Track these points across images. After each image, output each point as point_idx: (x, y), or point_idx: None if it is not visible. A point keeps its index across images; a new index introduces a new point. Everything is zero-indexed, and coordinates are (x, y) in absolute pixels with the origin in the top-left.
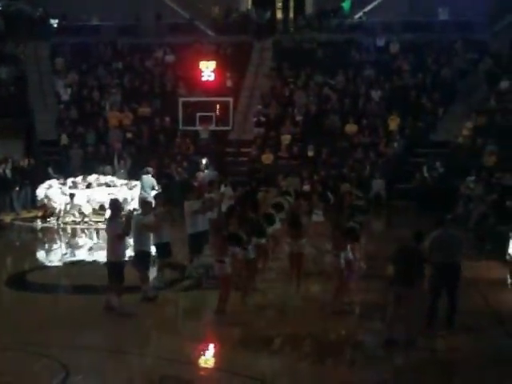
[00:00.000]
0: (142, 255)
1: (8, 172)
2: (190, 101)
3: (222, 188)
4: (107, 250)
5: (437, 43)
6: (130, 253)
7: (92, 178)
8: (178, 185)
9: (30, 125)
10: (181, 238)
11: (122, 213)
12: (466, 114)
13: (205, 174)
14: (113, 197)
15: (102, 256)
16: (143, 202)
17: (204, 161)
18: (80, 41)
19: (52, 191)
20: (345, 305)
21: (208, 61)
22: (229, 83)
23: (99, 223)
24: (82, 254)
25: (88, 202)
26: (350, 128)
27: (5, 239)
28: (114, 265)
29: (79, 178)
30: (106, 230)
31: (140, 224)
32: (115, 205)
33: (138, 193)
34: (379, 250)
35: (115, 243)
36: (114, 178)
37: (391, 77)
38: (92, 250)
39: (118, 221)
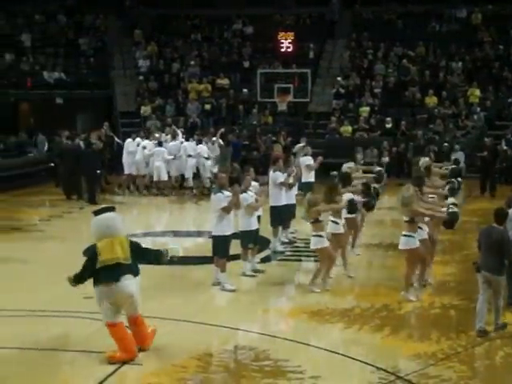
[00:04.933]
0: (246, 233)
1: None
2: (268, 72)
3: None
4: (212, 223)
5: None
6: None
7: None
8: (259, 157)
9: (110, 96)
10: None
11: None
12: None
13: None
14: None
15: (173, 227)
16: (220, 176)
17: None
18: (159, 12)
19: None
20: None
21: (287, 32)
22: (307, 54)
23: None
24: (156, 226)
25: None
26: (430, 100)
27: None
28: (218, 239)
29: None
30: (212, 202)
31: (245, 204)
32: (220, 177)
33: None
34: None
35: (220, 216)
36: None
37: (472, 48)
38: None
39: (224, 193)
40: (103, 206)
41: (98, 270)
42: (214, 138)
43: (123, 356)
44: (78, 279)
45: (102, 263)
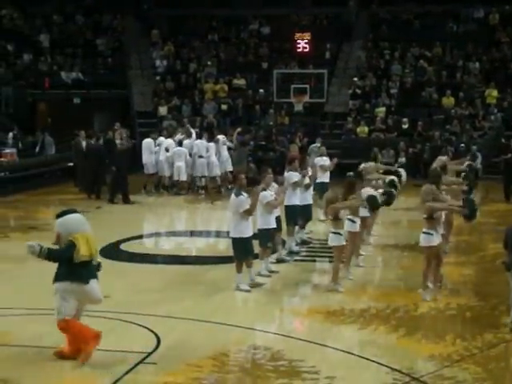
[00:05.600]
0: (264, 232)
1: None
2: (284, 72)
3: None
4: (231, 225)
5: None
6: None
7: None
8: (275, 157)
9: (126, 96)
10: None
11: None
12: None
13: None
14: None
15: (197, 227)
16: (240, 177)
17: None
18: (176, 13)
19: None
20: None
21: (303, 32)
22: (324, 55)
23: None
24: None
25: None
26: (447, 100)
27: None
28: (236, 241)
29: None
30: (232, 203)
31: (264, 202)
32: (240, 178)
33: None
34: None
35: (240, 218)
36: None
37: (490, 49)
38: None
39: (244, 195)
40: (65, 208)
41: (75, 266)
42: (220, 137)
43: (91, 345)
44: (49, 258)
45: (78, 259)
